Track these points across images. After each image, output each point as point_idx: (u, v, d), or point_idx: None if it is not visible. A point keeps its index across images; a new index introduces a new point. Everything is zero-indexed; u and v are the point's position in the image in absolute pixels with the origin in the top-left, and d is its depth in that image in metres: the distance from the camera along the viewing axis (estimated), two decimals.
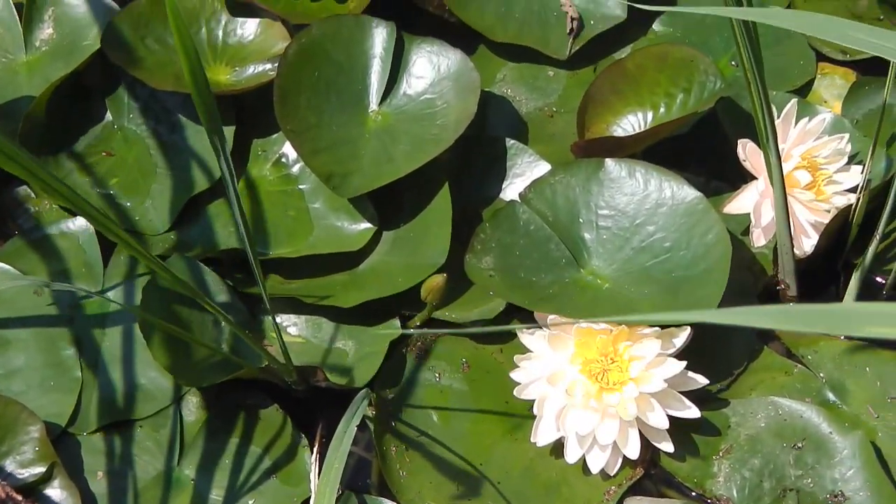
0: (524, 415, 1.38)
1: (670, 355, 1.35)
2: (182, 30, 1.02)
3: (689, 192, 1.44)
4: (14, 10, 1.62)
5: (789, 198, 1.41)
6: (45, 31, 1.62)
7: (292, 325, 1.46)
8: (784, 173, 1.36)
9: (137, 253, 1.14)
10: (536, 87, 1.63)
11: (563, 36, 1.63)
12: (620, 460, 1.36)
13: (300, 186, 1.53)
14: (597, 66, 1.64)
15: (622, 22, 1.64)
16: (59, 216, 1.52)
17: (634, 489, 1.36)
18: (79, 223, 1.51)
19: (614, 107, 1.55)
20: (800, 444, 1.36)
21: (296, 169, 1.54)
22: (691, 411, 1.35)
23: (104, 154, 1.55)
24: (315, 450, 1.38)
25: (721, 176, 1.56)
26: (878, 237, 1.42)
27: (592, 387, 1.33)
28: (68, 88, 1.57)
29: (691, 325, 1.36)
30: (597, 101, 1.55)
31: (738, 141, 1.47)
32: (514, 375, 1.36)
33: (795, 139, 1.48)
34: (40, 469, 1.33)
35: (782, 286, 1.46)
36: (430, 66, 1.56)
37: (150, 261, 1.16)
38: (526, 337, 1.38)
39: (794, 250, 1.43)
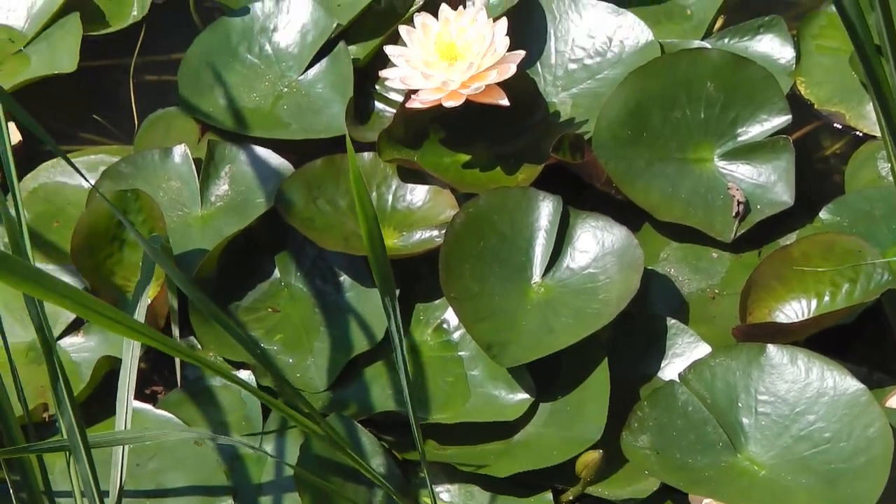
0: None
1: None
2: (363, 197, 1.09)
3: (851, 384, 1.45)
4: (193, 165, 1.71)
5: None
6: (221, 188, 1.70)
7: (445, 492, 1.49)
8: None
9: (296, 411, 1.19)
10: (699, 267, 1.67)
11: (728, 219, 1.67)
12: None
13: (460, 353, 1.58)
14: (761, 250, 1.67)
15: (789, 208, 1.68)
16: (223, 368, 1.58)
17: None
18: (241, 376, 1.57)
19: (778, 293, 1.58)
20: None
21: (456, 335, 1.59)
22: None
23: (270, 310, 1.62)
24: None
25: (884, 368, 1.57)
26: None
27: None
28: (239, 244, 1.65)
29: None
30: (760, 285, 1.58)
31: None
32: None
33: None
34: None
35: None
36: (594, 240, 1.61)
37: (311, 418, 1.21)
38: None
39: None
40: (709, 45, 1.80)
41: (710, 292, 1.65)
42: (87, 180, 1.35)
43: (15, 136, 1.77)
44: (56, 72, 1.84)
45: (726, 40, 1.83)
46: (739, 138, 1.71)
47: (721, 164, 1.71)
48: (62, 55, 1.86)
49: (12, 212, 1.66)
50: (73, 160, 1.75)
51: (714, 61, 1.73)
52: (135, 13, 1.93)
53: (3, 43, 1.88)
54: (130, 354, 1.29)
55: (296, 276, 1.65)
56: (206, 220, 1.68)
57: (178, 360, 1.58)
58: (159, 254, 1.13)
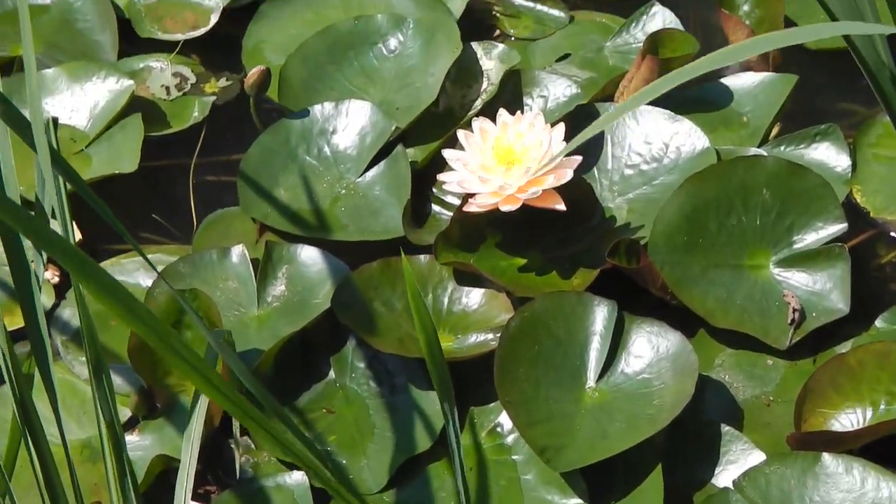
0: None
1: None
2: (421, 309, 1.12)
3: None
4: (250, 266, 1.75)
5: None
6: (278, 288, 1.74)
7: None
8: None
9: None
10: (754, 374, 1.68)
11: (783, 326, 1.68)
12: None
13: (513, 457, 1.60)
14: (816, 358, 1.69)
15: (844, 316, 1.69)
16: (277, 469, 1.61)
17: None
18: (295, 477, 1.59)
19: (833, 401, 1.59)
20: None
21: (510, 439, 1.61)
22: None
23: (325, 411, 1.65)
24: None
25: None
26: None
27: None
28: (295, 344, 1.68)
29: None
30: (815, 393, 1.59)
31: None
32: None
33: None
34: None
35: None
36: (649, 346, 1.63)
37: None
38: None
39: None
40: (765, 153, 1.83)
41: (765, 399, 1.66)
42: (155, 270, 1.38)
43: (76, 234, 1.82)
44: (117, 172, 1.89)
45: (782, 148, 1.86)
46: (795, 246, 1.73)
47: (777, 271, 1.73)
48: (124, 155, 1.91)
49: (67, 313, 1.71)
50: (132, 260, 1.81)
51: (770, 168, 1.75)
52: (196, 114, 1.98)
53: (65, 142, 1.94)
54: (189, 454, 1.32)
55: (351, 377, 1.67)
56: (263, 321, 1.72)
57: (237, 456, 1.61)
58: (224, 346, 1.16)
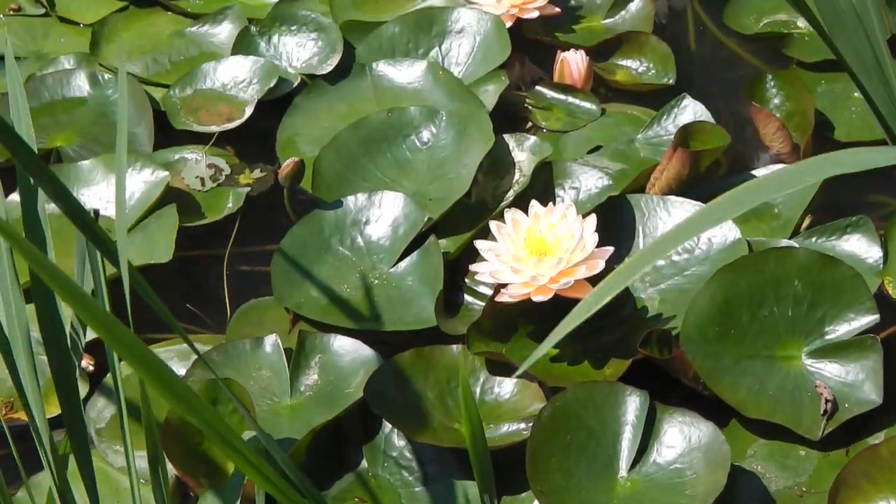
0: None
1: None
2: (468, 395, 1.14)
3: None
4: (284, 355, 1.77)
5: None
6: (311, 378, 1.76)
7: None
8: None
9: None
10: (787, 465, 1.69)
11: (816, 417, 1.70)
12: None
13: None
14: (849, 449, 1.70)
15: (877, 407, 1.71)
16: None
17: None
18: None
19: (867, 492, 1.60)
20: None
21: None
22: None
23: (357, 500, 1.67)
24: None
25: None
26: None
27: None
28: (328, 433, 1.70)
29: None
30: (849, 485, 1.60)
31: None
32: None
33: None
34: None
35: None
36: (681, 436, 1.64)
37: None
38: None
39: None
40: (796, 245, 1.86)
41: (798, 490, 1.67)
42: (198, 353, 1.41)
43: None
44: (152, 262, 1.93)
45: (814, 239, 1.88)
46: (827, 337, 1.75)
47: (809, 362, 1.75)
48: (158, 246, 1.95)
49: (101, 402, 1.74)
50: (165, 349, 1.83)
51: (802, 260, 1.78)
52: (230, 205, 2.02)
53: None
54: None
55: (383, 466, 1.69)
56: (296, 410, 1.74)
57: None
58: (259, 428, 1.19)
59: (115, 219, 1.32)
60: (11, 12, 2.33)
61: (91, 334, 1.60)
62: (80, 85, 2.17)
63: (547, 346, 1.02)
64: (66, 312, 1.32)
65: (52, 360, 1.29)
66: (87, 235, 1.27)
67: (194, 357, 1.79)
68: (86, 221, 1.25)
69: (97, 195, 2.01)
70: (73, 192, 1.93)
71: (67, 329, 1.31)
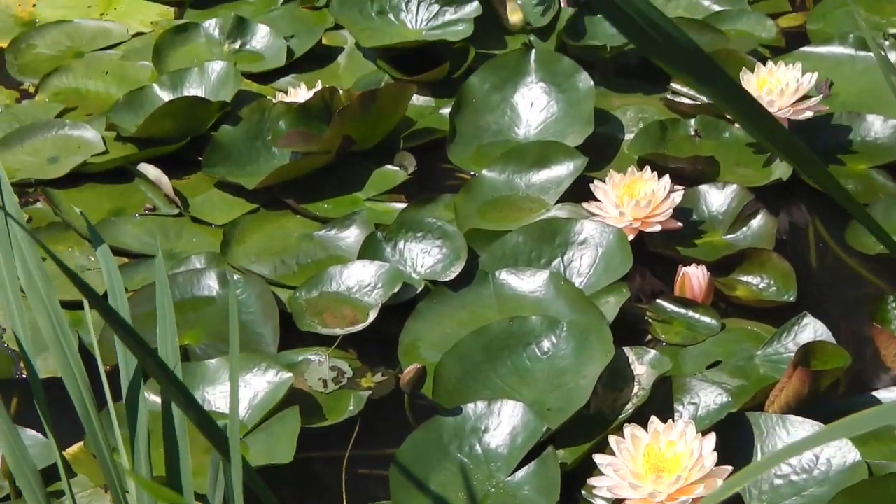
0: None
1: None
2: None
3: None
4: None
5: None
6: None
7: None
8: None
9: None
10: None
11: None
12: None
13: None
14: None
15: None
16: None
17: None
18: None
19: None
20: None
21: None
22: None
23: None
24: None
25: None
26: None
27: None
28: None
29: None
30: None
31: None
32: None
33: None
34: None
35: None
36: None
37: None
38: None
39: None
40: None
41: None
42: None
43: None
44: (273, 462, 1.98)
45: None
46: None
47: None
48: (280, 446, 2.00)
49: None
50: None
51: None
52: (351, 408, 2.08)
53: None
54: None
55: None
56: None
57: None
58: None
59: (229, 425, 1.38)
60: (147, 211, 2.45)
61: None
62: (210, 284, 2.26)
63: None
64: None
65: None
66: (213, 441, 1.34)
67: None
68: (213, 429, 1.32)
69: (223, 394, 2.08)
70: (198, 391, 2.03)
71: None
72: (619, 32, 0.91)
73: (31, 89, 2.79)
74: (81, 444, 2.00)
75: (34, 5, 3.01)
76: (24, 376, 2.14)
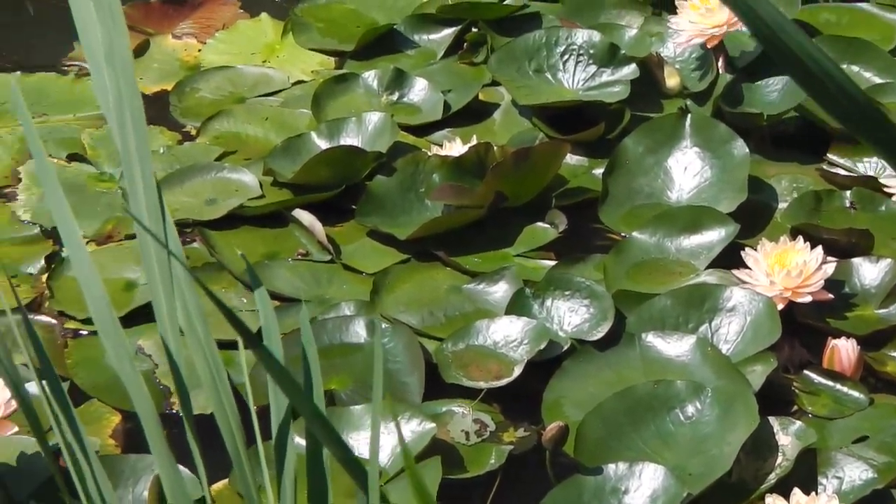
0: None
1: None
2: None
3: None
4: None
5: None
6: None
7: None
8: None
9: None
10: None
11: None
12: None
13: None
14: None
15: None
16: None
17: None
18: None
19: None
20: None
21: None
22: None
23: None
24: None
25: None
26: None
27: None
28: None
29: None
30: None
31: None
32: None
33: None
34: None
35: None
36: None
37: None
38: None
39: None
40: None
41: None
42: None
43: None
44: None
45: None
46: None
47: None
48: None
49: None
50: None
51: None
52: (492, 461, 2.10)
53: None
54: None
55: None
56: None
57: None
58: None
59: (369, 470, 1.41)
60: (300, 256, 2.50)
61: None
62: (358, 331, 2.29)
63: None
64: None
65: None
66: (357, 481, 1.37)
67: None
68: (358, 469, 1.35)
69: (366, 440, 2.11)
70: (342, 436, 2.06)
71: None
72: (803, 89, 0.91)
73: (193, 132, 2.85)
74: (226, 481, 2.04)
75: (199, 50, 3.09)
76: (172, 411, 2.19)
